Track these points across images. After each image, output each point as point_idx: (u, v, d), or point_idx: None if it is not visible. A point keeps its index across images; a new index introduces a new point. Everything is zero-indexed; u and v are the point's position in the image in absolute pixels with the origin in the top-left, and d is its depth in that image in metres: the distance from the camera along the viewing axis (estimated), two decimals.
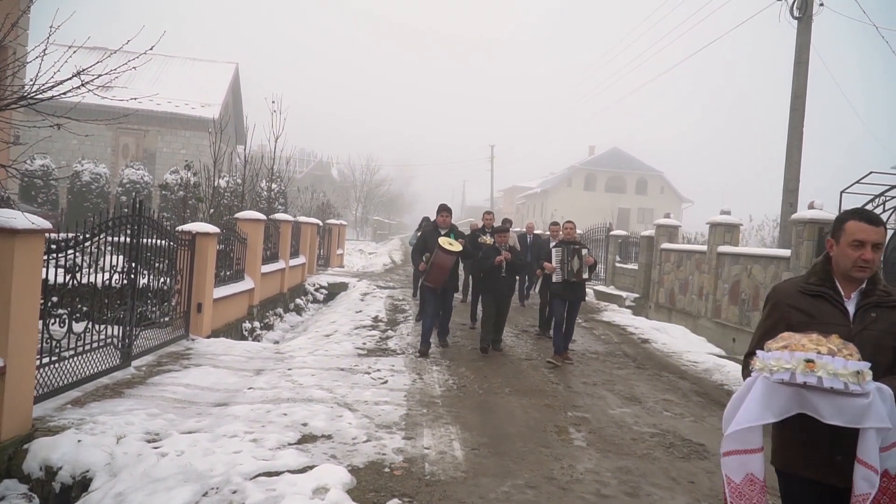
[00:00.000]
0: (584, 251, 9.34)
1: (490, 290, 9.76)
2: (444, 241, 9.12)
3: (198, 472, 4.59)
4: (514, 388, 7.80)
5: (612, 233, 22.05)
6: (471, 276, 12.25)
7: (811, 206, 10.70)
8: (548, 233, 15.54)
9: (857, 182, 9.72)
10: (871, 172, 9.71)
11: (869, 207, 9.31)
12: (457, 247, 9.20)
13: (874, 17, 14.88)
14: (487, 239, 10.03)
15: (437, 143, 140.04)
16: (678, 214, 52.77)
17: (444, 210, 9.71)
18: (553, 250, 9.56)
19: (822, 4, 13.59)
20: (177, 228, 9.60)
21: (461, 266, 10.45)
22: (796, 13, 13.74)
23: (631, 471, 5.35)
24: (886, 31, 18.72)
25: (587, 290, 11.61)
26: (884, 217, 9.06)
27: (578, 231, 23.67)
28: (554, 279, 9.43)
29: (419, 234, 12.09)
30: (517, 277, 11.55)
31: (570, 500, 4.70)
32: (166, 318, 8.90)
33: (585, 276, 9.31)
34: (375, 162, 69.89)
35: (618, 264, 20.93)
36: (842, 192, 10.01)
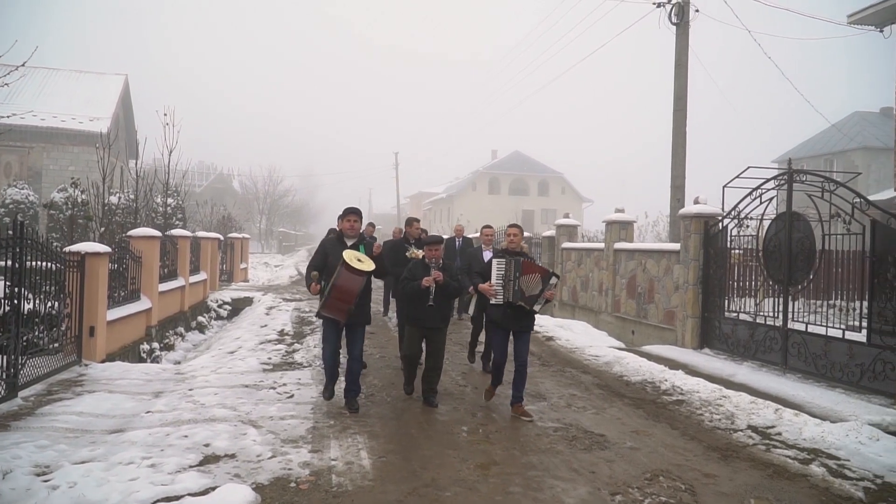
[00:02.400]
0: (555, 279, 6.91)
1: (415, 320, 7.30)
2: (349, 256, 6.61)
3: (91, 503, 4.40)
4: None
5: None
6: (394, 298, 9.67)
7: (696, 202, 11.27)
8: (470, 235, 15.32)
9: (737, 177, 10.28)
10: (748, 167, 10.30)
11: (747, 201, 9.91)
12: (368, 264, 6.68)
13: (748, 23, 15.82)
14: (417, 252, 7.69)
15: (342, 149, 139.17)
16: (579, 214, 54.41)
17: (350, 213, 7.15)
18: (493, 262, 6.97)
19: (697, 10, 14.37)
20: (65, 249, 9.18)
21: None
22: (674, 19, 14.47)
23: (535, 466, 5.48)
24: (759, 34, 19.97)
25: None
26: (759, 209, 9.66)
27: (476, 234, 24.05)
28: (493, 300, 6.88)
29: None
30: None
31: (475, 499, 4.77)
32: (56, 344, 8.49)
33: (538, 307, 6.86)
34: (278, 172, 68.90)
35: None
36: (724, 187, 10.57)
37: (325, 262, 6.94)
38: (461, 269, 8.44)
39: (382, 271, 7.10)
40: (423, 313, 7.17)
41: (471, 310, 8.77)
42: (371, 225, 13.62)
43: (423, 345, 7.44)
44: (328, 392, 7.17)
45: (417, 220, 10.41)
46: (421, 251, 7.56)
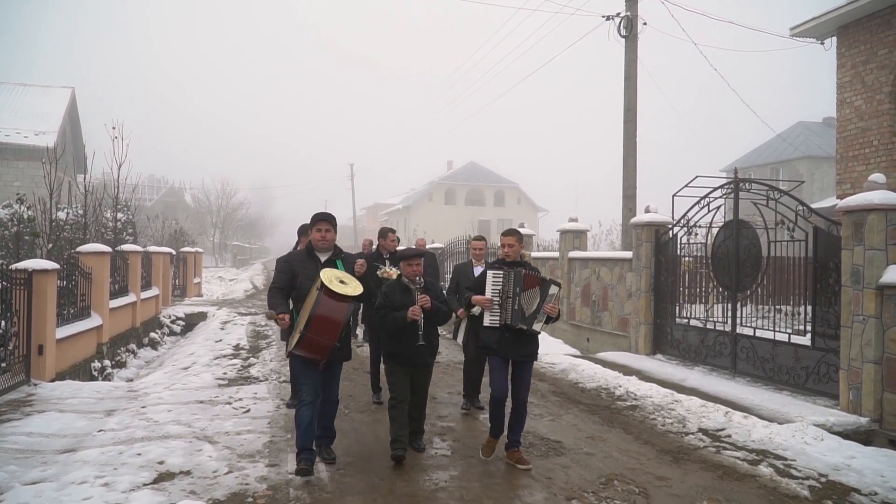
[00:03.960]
0: (555, 289, 5.63)
1: (399, 358, 5.86)
2: (329, 277, 5.16)
3: None
4: (380, 406, 7.83)
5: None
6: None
7: (647, 211, 11.52)
8: (427, 245, 15.08)
9: (686, 186, 10.53)
10: (697, 177, 10.56)
11: (695, 209, 10.16)
12: (353, 286, 5.28)
13: (695, 36, 16.29)
14: (390, 271, 6.69)
15: (297, 159, 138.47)
16: (535, 223, 54.94)
17: (321, 220, 5.64)
18: (489, 275, 5.75)
19: (645, 24, 14.72)
20: (11, 266, 8.97)
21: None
22: (623, 32, 14.81)
23: (493, 474, 5.54)
24: (705, 47, 20.56)
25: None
26: (707, 218, 9.92)
27: (438, 245, 24.07)
28: (487, 321, 5.67)
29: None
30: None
31: None
32: (3, 364, 8.29)
33: (538, 327, 5.62)
34: (232, 185, 68.09)
35: None
36: (673, 196, 10.82)
37: (292, 284, 5.48)
38: (448, 289, 7.42)
39: (370, 294, 5.62)
40: (411, 350, 5.74)
41: (460, 337, 7.26)
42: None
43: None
44: (307, 465, 5.30)
45: (393, 231, 8.60)
46: (395, 269, 6.35)
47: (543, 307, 5.55)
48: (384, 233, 8.50)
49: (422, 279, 5.84)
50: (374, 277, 6.82)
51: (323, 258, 5.59)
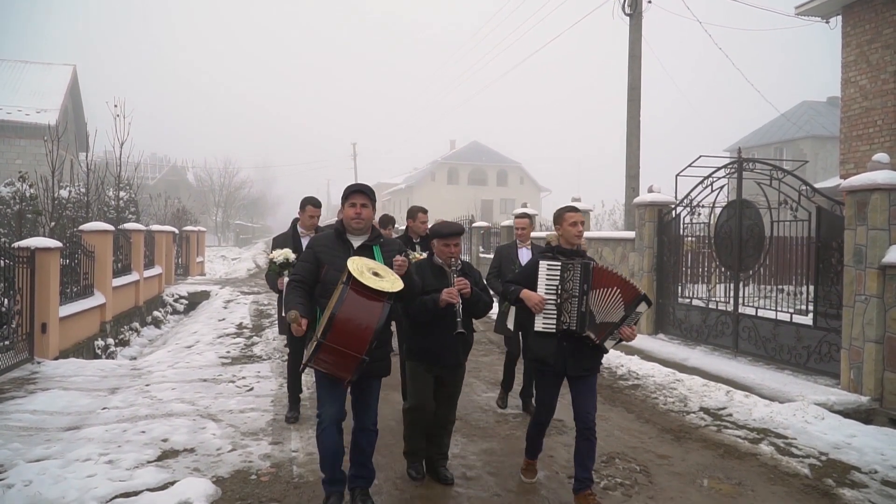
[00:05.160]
0: (644, 306, 4.39)
1: (426, 355, 4.80)
2: (357, 267, 3.90)
3: (48, 501, 4.35)
4: (383, 383, 7.83)
5: (474, 224, 22.61)
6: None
7: (650, 190, 11.47)
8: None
9: (689, 166, 10.49)
10: (700, 156, 10.52)
11: (699, 189, 10.11)
12: (391, 281, 3.97)
13: (700, 14, 16.15)
14: (420, 257, 5.36)
15: (299, 136, 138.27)
16: (537, 203, 54.83)
17: (356, 193, 4.33)
18: (543, 267, 4.49)
19: (650, 2, 14.57)
20: (13, 245, 8.98)
21: None
22: (627, 10, 14.67)
23: (495, 451, 5.58)
24: (710, 25, 20.38)
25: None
26: (711, 197, 9.87)
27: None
28: (540, 325, 4.47)
29: (297, 251, 6.02)
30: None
31: (436, 485, 4.84)
32: (6, 342, 8.32)
33: (610, 343, 4.46)
34: (234, 164, 68.00)
35: (481, 255, 21.51)
36: (676, 176, 10.78)
37: (316, 276, 4.23)
38: (489, 274, 6.52)
39: (412, 292, 4.31)
40: (442, 345, 4.65)
41: (510, 322, 6.50)
42: (387, 218, 8.53)
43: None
44: (337, 499, 4.27)
45: (424, 211, 7.25)
46: (418, 252, 5.26)
47: (622, 328, 4.36)
48: (413, 213, 7.21)
49: (459, 262, 4.73)
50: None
51: (356, 243, 4.32)
